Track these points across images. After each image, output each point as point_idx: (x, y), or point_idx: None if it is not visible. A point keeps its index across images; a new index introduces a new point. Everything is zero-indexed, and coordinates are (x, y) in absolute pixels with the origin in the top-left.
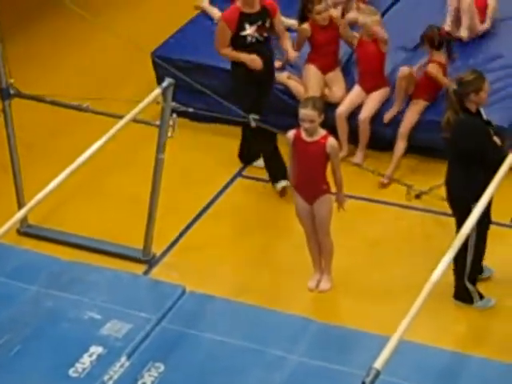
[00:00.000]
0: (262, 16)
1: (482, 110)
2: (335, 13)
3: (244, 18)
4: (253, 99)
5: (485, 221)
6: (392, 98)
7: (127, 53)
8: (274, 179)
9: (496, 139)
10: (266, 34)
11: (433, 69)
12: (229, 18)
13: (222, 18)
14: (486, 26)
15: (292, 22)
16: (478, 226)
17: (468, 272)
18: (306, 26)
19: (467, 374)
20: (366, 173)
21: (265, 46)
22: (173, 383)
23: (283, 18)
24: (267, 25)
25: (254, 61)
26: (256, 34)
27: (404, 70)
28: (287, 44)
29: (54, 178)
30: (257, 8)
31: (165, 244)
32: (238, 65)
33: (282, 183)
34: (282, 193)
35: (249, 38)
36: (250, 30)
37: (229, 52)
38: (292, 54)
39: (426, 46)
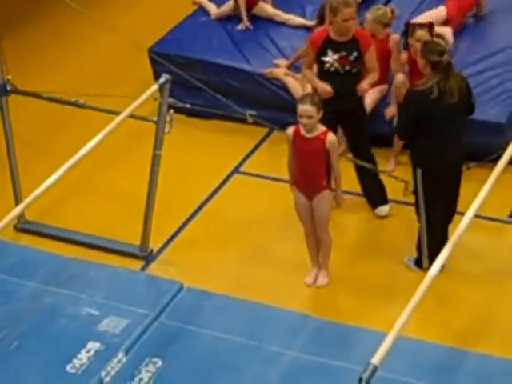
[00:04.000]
0: (349, 47)
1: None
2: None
3: (328, 44)
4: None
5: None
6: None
7: (124, 49)
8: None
9: None
10: (348, 68)
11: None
12: (313, 40)
13: (308, 38)
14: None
15: (302, 21)
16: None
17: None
18: None
19: (466, 370)
20: None
21: (346, 80)
22: (170, 378)
23: (293, 17)
24: (351, 58)
25: (323, 89)
26: (336, 64)
27: (399, 78)
28: (367, 83)
29: (51, 174)
30: (346, 38)
31: (162, 240)
32: (316, 90)
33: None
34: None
35: (327, 66)
36: (330, 58)
37: (307, 73)
38: (365, 86)
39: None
